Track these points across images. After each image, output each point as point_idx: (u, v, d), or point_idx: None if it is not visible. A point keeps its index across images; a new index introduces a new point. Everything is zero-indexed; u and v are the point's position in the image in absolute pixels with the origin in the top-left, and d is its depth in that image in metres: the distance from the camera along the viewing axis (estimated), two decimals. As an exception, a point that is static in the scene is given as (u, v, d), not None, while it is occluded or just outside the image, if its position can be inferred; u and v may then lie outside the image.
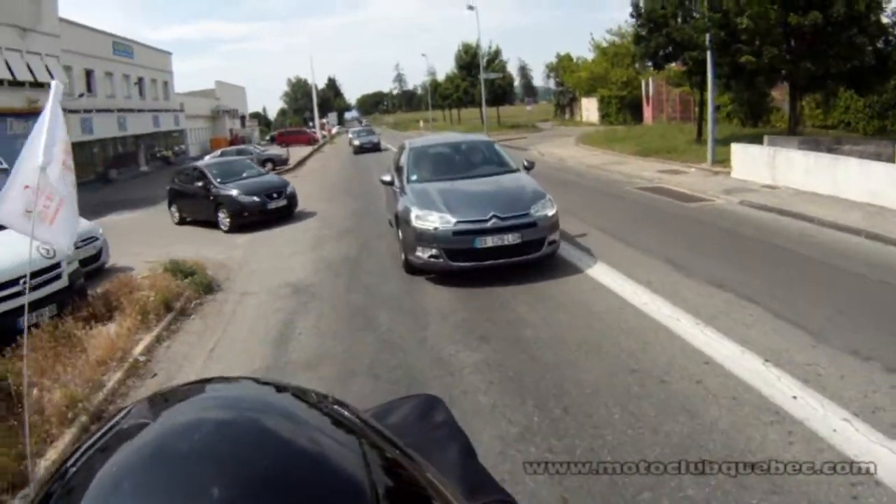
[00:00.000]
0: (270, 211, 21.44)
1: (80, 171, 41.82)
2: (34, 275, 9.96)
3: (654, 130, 43.91)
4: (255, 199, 21.19)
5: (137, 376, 8.98)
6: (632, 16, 34.22)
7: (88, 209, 18.66)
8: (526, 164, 15.13)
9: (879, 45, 25.93)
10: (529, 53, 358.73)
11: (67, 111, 37.64)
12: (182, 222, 23.19)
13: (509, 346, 8.80)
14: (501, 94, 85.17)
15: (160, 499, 1.28)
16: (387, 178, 14.91)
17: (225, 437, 1.44)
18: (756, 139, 24.74)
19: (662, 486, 5.37)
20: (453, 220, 11.79)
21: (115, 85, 52.98)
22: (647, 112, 55.94)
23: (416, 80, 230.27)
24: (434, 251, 11.82)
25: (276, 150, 51.71)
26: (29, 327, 9.26)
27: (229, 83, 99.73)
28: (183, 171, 25.38)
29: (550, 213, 12.20)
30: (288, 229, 19.93)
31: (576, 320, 9.58)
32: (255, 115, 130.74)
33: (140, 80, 58.50)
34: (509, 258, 11.70)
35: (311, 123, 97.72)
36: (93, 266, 14.24)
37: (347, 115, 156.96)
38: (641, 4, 33.12)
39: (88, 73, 48.48)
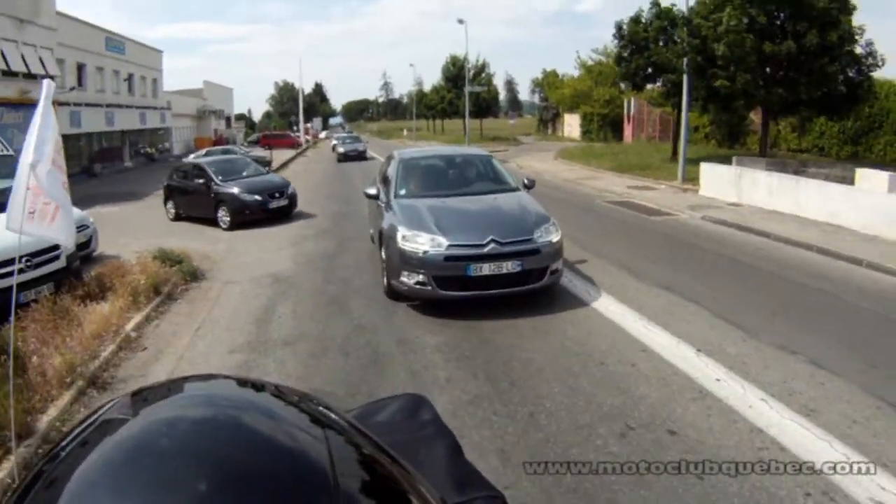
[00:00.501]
0: (272, 210, 21.48)
1: (67, 164, 42.31)
2: (35, 254, 10.89)
3: (632, 148, 44.75)
4: (257, 197, 21.26)
5: (129, 349, 9.66)
6: (614, 37, 35.06)
7: (74, 201, 19.15)
8: (526, 182, 13.70)
9: (851, 73, 27.03)
10: (517, 68, 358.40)
11: (57, 103, 38.12)
12: (178, 218, 23.11)
13: (466, 331, 9.59)
14: (486, 106, 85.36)
15: (139, 493, 1.53)
16: (371, 190, 13.44)
17: (202, 434, 1.74)
18: (729, 160, 25.59)
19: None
20: (445, 242, 10.34)
21: (106, 80, 53.22)
22: (628, 130, 56.57)
23: (402, 89, 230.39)
24: (421, 277, 10.37)
25: (259, 153, 51.36)
26: (28, 302, 10.10)
27: (217, 83, 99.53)
28: (181, 167, 25.48)
29: (555, 238, 10.82)
30: (271, 227, 20.29)
31: (527, 310, 10.39)
32: (241, 117, 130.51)
33: (130, 77, 58.72)
34: (507, 289, 10.32)
35: (295, 128, 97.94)
36: (83, 252, 14.76)
37: (332, 121, 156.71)
38: (624, 27, 33.99)
39: (80, 67, 48.68)
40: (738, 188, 21.70)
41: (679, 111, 29.87)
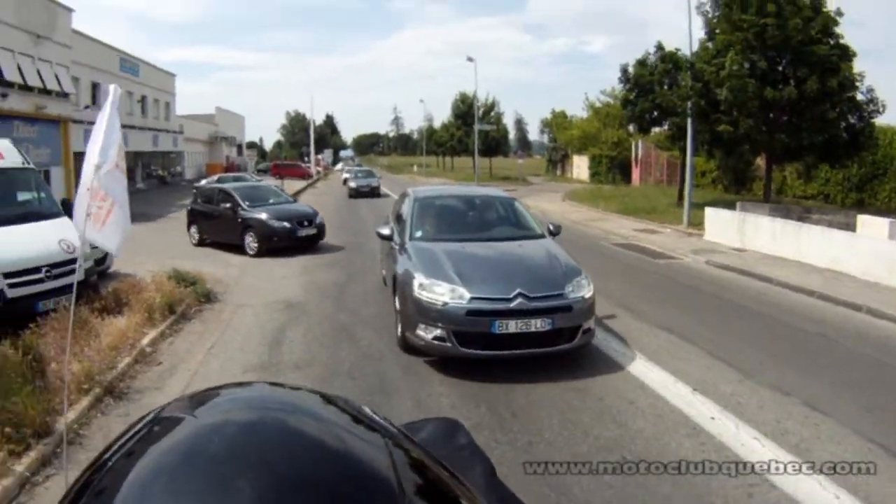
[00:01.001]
0: (300, 238, 21.30)
1: (80, 182, 42.51)
2: (55, 266, 11.23)
3: (639, 191, 44.99)
4: (286, 224, 21.07)
5: (145, 363, 9.99)
6: (620, 80, 35.40)
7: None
8: (552, 228, 12.45)
9: (853, 120, 27.31)
10: (527, 107, 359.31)
11: (72, 121, 38.57)
12: (202, 244, 22.88)
13: (470, 362, 9.55)
14: (495, 145, 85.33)
15: (192, 497, 1.54)
16: (385, 230, 12.57)
17: (252, 438, 1.73)
18: (734, 205, 25.84)
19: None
20: (468, 294, 9.29)
21: (120, 101, 53.69)
22: (636, 173, 56.68)
23: (413, 124, 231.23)
24: (440, 332, 9.30)
25: (270, 182, 51.37)
26: (47, 311, 10.43)
27: (229, 110, 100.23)
28: (206, 192, 25.29)
29: (588, 294, 9.78)
30: (283, 257, 20.12)
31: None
32: (252, 145, 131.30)
33: (143, 99, 59.19)
34: (535, 349, 9.29)
35: (306, 158, 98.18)
36: (100, 268, 15.15)
37: (343, 154, 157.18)
38: (630, 70, 34.35)
39: (94, 86, 49.22)
40: (742, 233, 21.94)
41: (685, 155, 30.13)
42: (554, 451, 6.89)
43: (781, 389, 8.74)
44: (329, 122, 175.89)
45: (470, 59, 68.32)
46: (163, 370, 9.79)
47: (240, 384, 2.31)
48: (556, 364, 9.40)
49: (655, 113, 33.72)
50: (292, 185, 53.83)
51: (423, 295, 9.53)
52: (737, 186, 41.17)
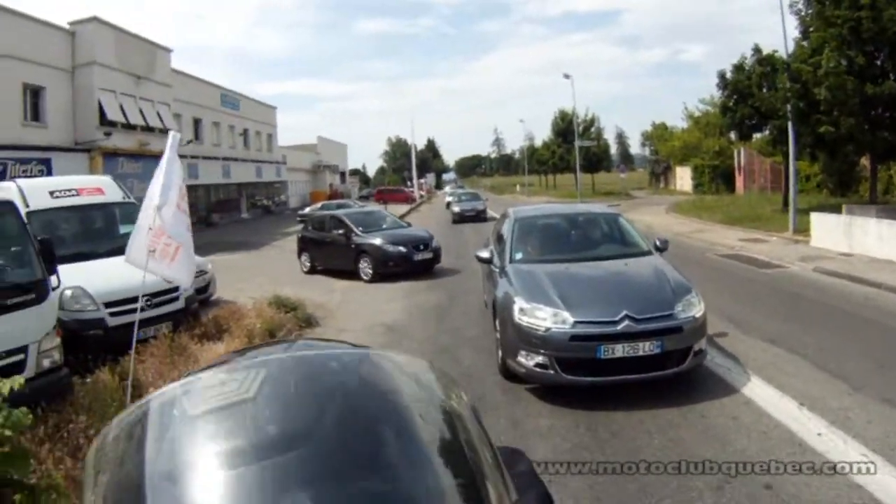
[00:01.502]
0: (416, 262, 21.10)
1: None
2: (155, 294, 11.64)
3: (743, 200, 44.32)
4: (402, 249, 20.94)
5: (243, 390, 10.11)
6: (718, 87, 34.89)
7: (194, 248, 19.93)
8: (658, 244, 11.86)
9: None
10: (627, 121, 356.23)
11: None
12: (313, 271, 22.98)
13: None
14: (596, 160, 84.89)
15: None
16: (484, 254, 12.20)
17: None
18: (840, 209, 25.23)
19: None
20: (571, 318, 8.85)
21: (222, 134, 55.31)
22: (739, 181, 55.81)
23: (513, 144, 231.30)
24: (542, 359, 8.84)
25: (373, 207, 51.52)
26: (147, 339, 10.78)
27: (330, 139, 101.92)
28: (318, 219, 25.46)
29: (699, 313, 9.26)
30: (384, 282, 20.20)
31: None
32: (356, 172, 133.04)
33: (245, 131, 60.80)
34: (643, 374, 8.81)
35: (409, 182, 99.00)
36: (202, 296, 15.66)
37: (445, 177, 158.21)
38: (728, 75, 33.80)
39: (196, 122, 50.83)
40: (849, 237, 21.39)
41: (787, 160, 29.49)
42: (653, 474, 6.72)
43: (893, 402, 8.36)
44: (430, 146, 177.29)
45: (566, 76, 68.03)
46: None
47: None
48: (657, 383, 9.09)
49: (755, 118, 33.11)
50: (395, 210, 53.68)
51: (524, 320, 9.13)
52: (842, 189, 40.10)
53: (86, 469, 2.07)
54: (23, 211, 10.15)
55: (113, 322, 11.18)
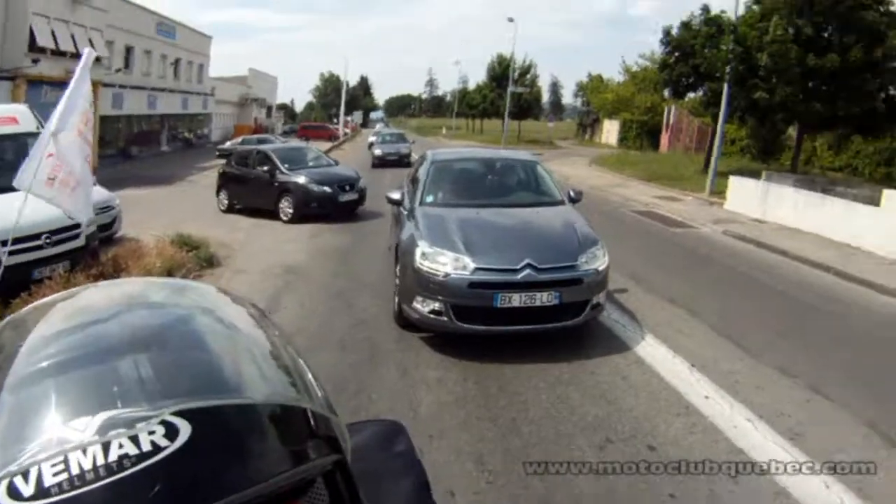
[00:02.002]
0: (341, 204, 20.11)
1: (104, 145, 42.95)
2: (55, 231, 11.12)
3: (667, 158, 44.53)
4: (327, 189, 19.87)
5: (134, 328, 9.84)
6: (661, 42, 34.83)
7: (107, 181, 19.47)
8: (572, 194, 11.64)
9: (893, 91, 26.82)
10: (565, 71, 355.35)
11: (102, 84, 38.69)
12: (230, 210, 21.66)
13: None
14: (527, 107, 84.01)
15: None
16: (395, 195, 11.66)
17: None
18: (760, 174, 25.37)
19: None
20: (472, 265, 8.69)
21: (153, 64, 53.85)
22: (665, 140, 56.06)
23: (448, 86, 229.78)
24: (437, 305, 8.71)
25: (295, 143, 50.80)
26: (42, 279, 10.36)
27: (262, 71, 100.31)
28: (242, 154, 24.29)
29: (601, 266, 9.19)
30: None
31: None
32: (283, 107, 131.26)
33: (177, 61, 59.23)
34: (538, 325, 8.76)
35: (335, 120, 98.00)
36: (106, 234, 15.09)
37: (373, 115, 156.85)
38: (674, 32, 33.77)
39: (128, 50, 49.32)
40: (764, 204, 21.55)
41: (717, 122, 29.70)
42: (537, 431, 6.69)
43: (786, 371, 8.38)
44: (363, 84, 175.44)
45: (510, 20, 67.86)
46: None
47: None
48: (547, 337, 8.99)
49: (692, 78, 33.13)
50: (317, 146, 53.35)
51: (425, 265, 8.89)
52: (766, 156, 40.67)
53: None
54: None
55: (9, 262, 10.68)
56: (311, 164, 22.02)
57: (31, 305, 2.11)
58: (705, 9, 32.35)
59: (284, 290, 12.11)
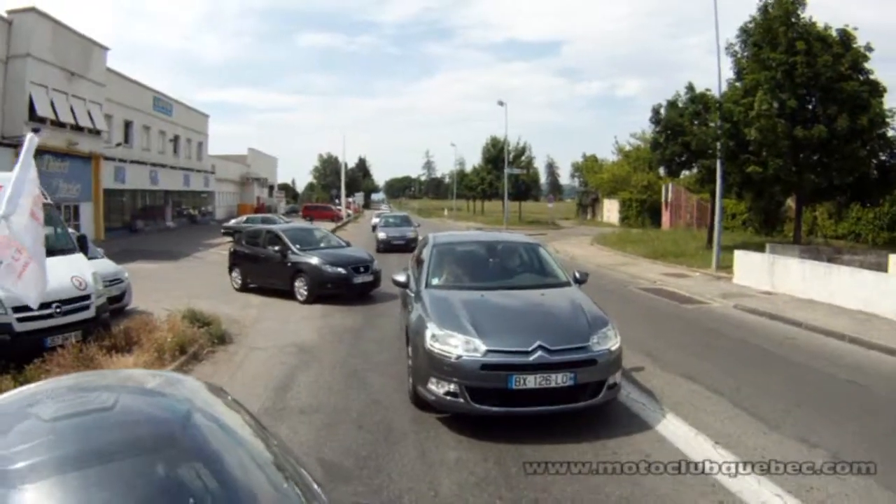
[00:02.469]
0: (356, 285, 19.94)
1: (109, 219, 43.16)
2: (66, 301, 11.31)
3: (668, 235, 44.72)
4: (341, 270, 19.73)
5: (147, 407, 9.72)
6: (651, 122, 35.18)
7: (115, 255, 19.52)
8: (578, 275, 11.73)
9: (884, 157, 27.29)
10: (559, 151, 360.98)
11: (104, 157, 39.50)
12: (244, 289, 21.55)
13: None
14: (525, 189, 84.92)
15: None
16: (401, 277, 11.77)
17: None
18: (764, 247, 25.51)
19: None
20: (483, 347, 8.62)
21: (152, 139, 54.80)
22: (666, 217, 56.48)
23: (445, 168, 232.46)
24: (453, 387, 8.61)
25: (303, 224, 50.35)
26: (55, 347, 10.39)
27: (262, 151, 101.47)
28: (252, 233, 24.10)
29: (614, 346, 9.09)
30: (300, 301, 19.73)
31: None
32: (284, 186, 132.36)
33: (176, 138, 60.28)
34: (555, 406, 8.63)
35: (337, 200, 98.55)
36: (116, 306, 15.23)
37: (374, 197, 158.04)
38: (662, 111, 34.11)
39: (127, 124, 50.27)
40: (772, 276, 21.63)
41: (715, 198, 29.86)
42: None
43: (808, 442, 8.30)
44: (361, 165, 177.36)
45: (501, 103, 68.67)
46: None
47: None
48: (569, 415, 8.88)
49: (685, 156, 33.41)
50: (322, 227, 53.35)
51: (436, 347, 8.86)
52: (767, 228, 41.06)
53: None
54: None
55: (20, 328, 10.68)
56: (322, 244, 21.95)
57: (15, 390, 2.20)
58: (690, 87, 32.88)
59: (299, 369, 12.01)
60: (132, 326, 12.82)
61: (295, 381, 11.15)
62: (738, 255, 24.31)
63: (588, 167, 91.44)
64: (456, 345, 8.73)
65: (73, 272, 11.89)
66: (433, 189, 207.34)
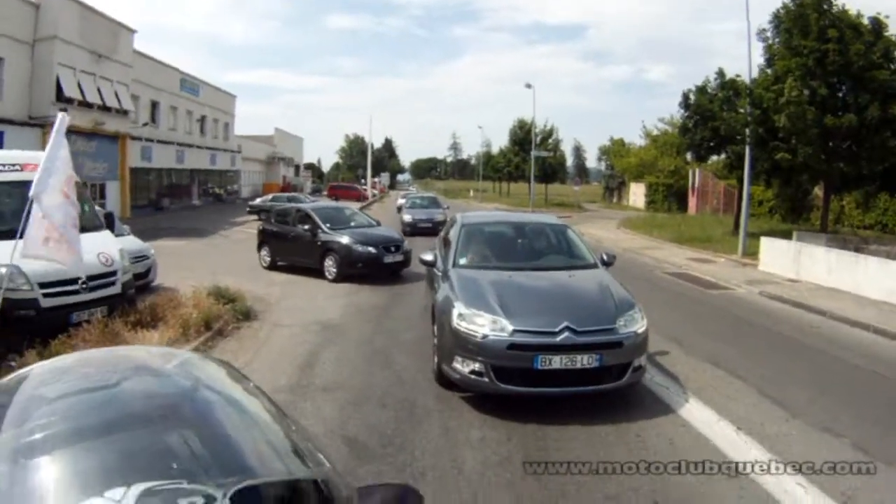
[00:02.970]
0: (386, 265, 19.90)
1: (135, 196, 43.44)
2: (92, 277, 11.41)
3: (694, 220, 44.57)
4: (371, 250, 19.59)
5: (173, 381, 9.80)
6: (680, 107, 34.97)
7: (141, 232, 19.62)
8: (605, 257, 11.67)
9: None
10: (586, 135, 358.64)
11: (130, 137, 39.77)
12: (273, 267, 21.60)
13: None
14: (552, 172, 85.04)
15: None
16: (428, 256, 11.83)
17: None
18: (790, 235, 25.41)
19: None
20: (510, 326, 8.62)
21: (178, 119, 55.00)
22: (692, 202, 56.19)
23: (471, 149, 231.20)
24: (478, 366, 8.58)
25: (323, 202, 50.15)
26: (80, 322, 10.48)
27: (288, 132, 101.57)
28: (281, 211, 24.09)
29: (640, 329, 9.09)
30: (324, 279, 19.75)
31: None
32: (310, 166, 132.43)
33: (203, 118, 60.44)
34: (580, 387, 8.66)
35: (363, 181, 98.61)
36: (141, 282, 15.31)
37: (400, 178, 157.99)
38: (691, 96, 33.92)
39: (154, 105, 50.50)
40: (798, 264, 21.48)
41: (742, 184, 29.69)
42: (585, 494, 6.56)
43: (831, 431, 8.26)
44: (388, 145, 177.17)
45: (528, 86, 68.47)
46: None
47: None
48: (594, 396, 8.91)
49: (714, 141, 33.23)
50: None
51: (462, 325, 8.85)
52: (794, 216, 40.80)
53: None
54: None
55: (46, 304, 10.79)
56: (352, 224, 21.74)
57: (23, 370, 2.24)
58: (720, 73, 32.63)
59: (323, 346, 12.07)
60: (157, 302, 12.95)
61: (319, 359, 11.21)
62: (765, 241, 24.18)
63: (615, 151, 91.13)
64: (483, 324, 8.72)
65: (99, 249, 11.97)
66: (459, 170, 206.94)
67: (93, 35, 38.54)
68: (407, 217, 37.25)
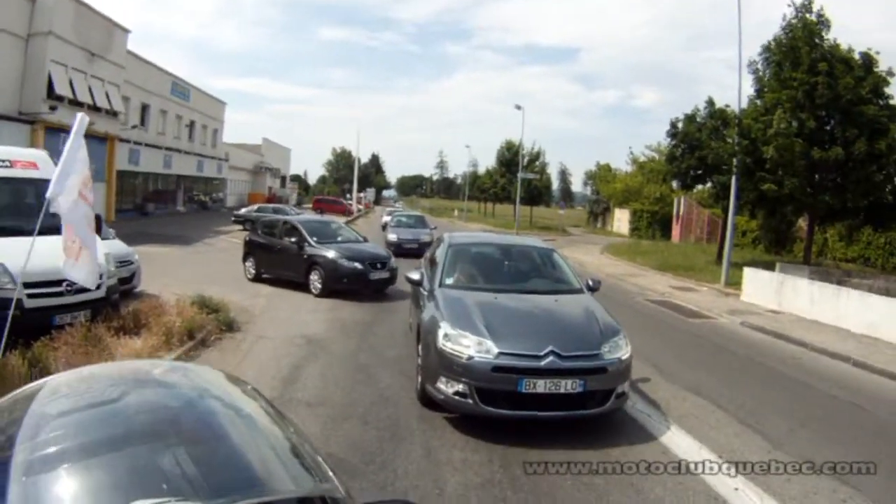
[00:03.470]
0: (372, 281, 19.73)
1: (120, 200, 43.25)
2: None
3: (678, 248, 44.75)
4: (357, 265, 19.42)
5: (154, 390, 9.75)
6: (668, 134, 35.18)
7: (125, 237, 19.54)
8: (591, 283, 11.72)
9: (899, 182, 26.85)
10: (572, 158, 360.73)
11: (118, 139, 39.54)
12: (258, 279, 21.31)
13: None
14: (537, 194, 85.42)
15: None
16: (414, 275, 11.90)
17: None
18: (773, 266, 25.44)
19: None
20: (496, 349, 8.60)
21: (168, 123, 54.97)
22: (676, 230, 56.47)
23: (457, 168, 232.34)
24: (462, 387, 8.60)
25: (310, 216, 50.02)
26: (63, 325, 10.41)
27: (276, 142, 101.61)
28: (268, 223, 23.84)
29: (625, 355, 9.12)
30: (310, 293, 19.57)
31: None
32: (296, 178, 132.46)
33: (192, 123, 60.48)
34: (563, 411, 8.67)
35: (348, 195, 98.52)
36: (125, 287, 15.26)
37: (385, 194, 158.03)
38: (679, 124, 34.11)
39: (144, 107, 50.37)
40: (780, 295, 21.66)
41: (727, 213, 29.85)
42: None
43: (811, 461, 8.29)
44: (374, 161, 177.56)
45: (518, 107, 68.62)
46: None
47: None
48: (576, 421, 8.93)
49: (700, 170, 33.45)
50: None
51: (448, 346, 8.85)
52: (777, 247, 41.08)
53: None
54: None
55: (30, 304, 10.68)
56: (339, 238, 21.67)
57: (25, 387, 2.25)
58: (710, 102, 32.93)
59: (307, 360, 12.02)
60: (141, 309, 12.85)
61: (302, 373, 11.16)
62: (748, 272, 24.32)
63: (601, 176, 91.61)
64: (468, 345, 8.72)
65: None
66: (445, 189, 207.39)
67: (87, 33, 38.51)
68: (392, 236, 35.44)
